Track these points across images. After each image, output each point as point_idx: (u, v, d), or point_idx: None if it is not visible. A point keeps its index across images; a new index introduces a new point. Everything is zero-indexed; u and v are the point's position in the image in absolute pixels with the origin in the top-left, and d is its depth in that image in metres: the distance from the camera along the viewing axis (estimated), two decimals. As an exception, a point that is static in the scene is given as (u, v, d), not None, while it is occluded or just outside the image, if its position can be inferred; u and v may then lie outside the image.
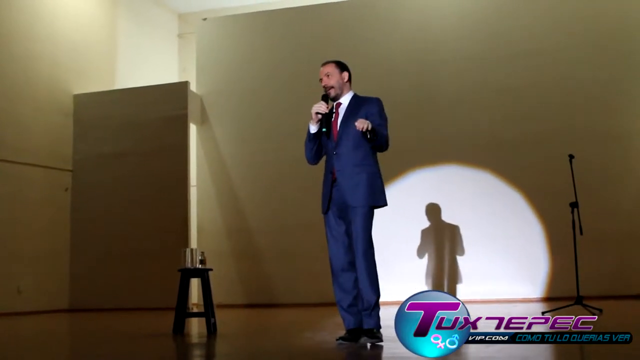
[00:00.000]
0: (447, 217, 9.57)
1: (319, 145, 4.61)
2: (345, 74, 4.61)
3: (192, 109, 10.77)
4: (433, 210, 9.62)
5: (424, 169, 9.92)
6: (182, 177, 10.38)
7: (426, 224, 9.62)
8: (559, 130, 9.45)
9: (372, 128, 4.23)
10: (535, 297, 9.27)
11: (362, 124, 4.21)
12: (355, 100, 4.56)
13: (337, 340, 4.42)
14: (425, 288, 9.17)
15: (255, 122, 10.88)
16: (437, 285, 9.43)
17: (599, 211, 8.83)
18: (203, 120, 11.09)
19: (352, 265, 4.44)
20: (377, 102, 4.54)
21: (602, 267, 8.95)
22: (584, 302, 6.64)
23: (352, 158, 4.40)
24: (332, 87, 4.55)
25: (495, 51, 9.98)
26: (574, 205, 6.91)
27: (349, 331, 4.44)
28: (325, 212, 4.50)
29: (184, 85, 10.78)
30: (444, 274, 9.54)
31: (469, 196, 9.64)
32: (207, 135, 11.05)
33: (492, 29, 10.08)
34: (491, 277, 9.32)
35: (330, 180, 4.46)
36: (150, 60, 12.50)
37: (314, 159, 4.67)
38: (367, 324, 4.34)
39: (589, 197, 8.13)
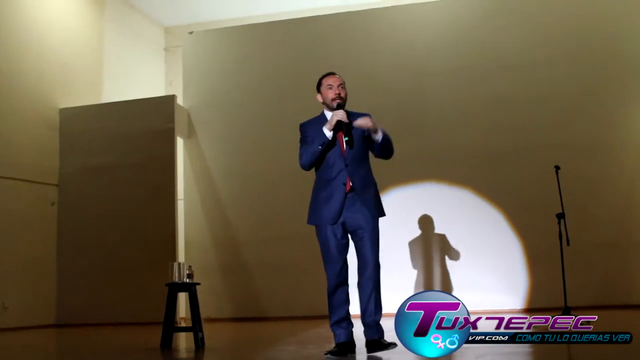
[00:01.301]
0: (434, 227, 9.59)
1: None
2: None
3: (179, 122, 10.76)
4: (421, 222, 9.64)
5: (409, 182, 9.94)
6: (169, 190, 10.33)
7: (413, 235, 9.65)
8: (545, 142, 9.51)
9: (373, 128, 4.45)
10: (520, 308, 9.29)
11: (366, 123, 4.42)
12: (351, 116, 4.58)
13: (325, 354, 4.38)
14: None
15: (242, 135, 10.87)
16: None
17: (584, 222, 8.87)
18: (190, 134, 11.08)
19: (346, 279, 4.50)
20: (371, 117, 4.58)
21: (588, 278, 8.99)
22: (572, 312, 6.66)
23: (360, 171, 4.53)
24: (343, 99, 4.60)
25: (481, 65, 10.04)
26: (561, 216, 6.96)
27: (339, 345, 4.42)
28: (333, 223, 4.48)
29: (170, 98, 10.76)
30: (432, 286, 9.53)
31: (456, 206, 9.66)
32: (194, 149, 11.03)
33: (479, 43, 10.14)
34: (477, 288, 9.31)
35: (343, 192, 4.47)
36: (136, 74, 12.48)
37: (312, 166, 4.62)
38: (371, 335, 4.41)
39: (575, 208, 8.19)
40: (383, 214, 4.56)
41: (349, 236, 4.55)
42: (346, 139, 4.45)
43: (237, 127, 10.93)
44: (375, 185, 4.62)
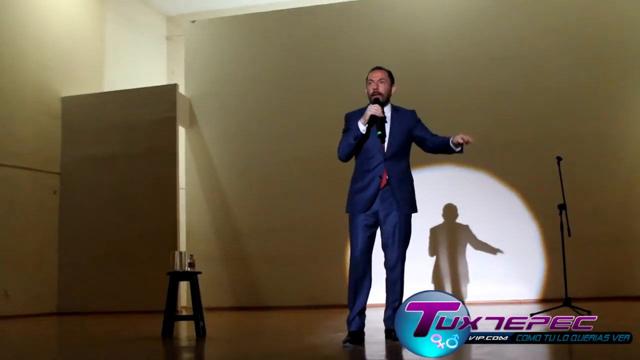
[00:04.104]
0: (440, 219, 9.58)
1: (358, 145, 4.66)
2: (394, 88, 4.78)
3: (181, 111, 10.75)
4: (429, 213, 9.60)
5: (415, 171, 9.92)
6: (171, 179, 10.34)
7: (422, 226, 9.61)
8: (548, 133, 9.49)
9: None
10: (523, 299, 9.28)
11: (464, 138, 4.59)
12: (396, 111, 4.73)
13: (343, 342, 4.42)
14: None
15: (244, 124, 10.86)
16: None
17: (587, 213, 8.85)
18: (192, 123, 11.07)
19: (369, 270, 4.58)
20: (415, 113, 4.81)
21: (590, 269, 8.98)
22: (572, 303, 6.67)
23: (399, 166, 4.60)
24: (381, 94, 4.66)
25: (485, 55, 10.01)
26: (562, 207, 6.95)
27: (352, 334, 4.47)
28: (364, 211, 4.54)
29: (172, 87, 10.76)
30: (436, 275, 9.54)
31: (460, 198, 9.64)
32: (196, 138, 11.03)
33: (482, 33, 10.11)
34: (483, 278, 9.35)
35: (378, 183, 4.53)
36: (138, 63, 12.45)
37: (349, 157, 4.71)
38: (391, 325, 4.45)
39: (578, 199, 8.17)
40: (415, 211, 4.64)
41: (379, 227, 4.61)
42: (378, 132, 4.52)
43: (239, 116, 10.91)
44: (411, 182, 4.69)
